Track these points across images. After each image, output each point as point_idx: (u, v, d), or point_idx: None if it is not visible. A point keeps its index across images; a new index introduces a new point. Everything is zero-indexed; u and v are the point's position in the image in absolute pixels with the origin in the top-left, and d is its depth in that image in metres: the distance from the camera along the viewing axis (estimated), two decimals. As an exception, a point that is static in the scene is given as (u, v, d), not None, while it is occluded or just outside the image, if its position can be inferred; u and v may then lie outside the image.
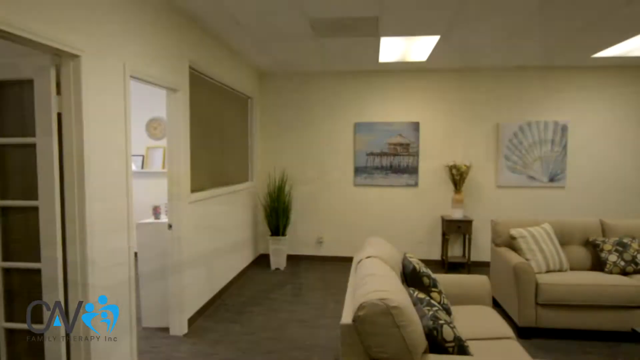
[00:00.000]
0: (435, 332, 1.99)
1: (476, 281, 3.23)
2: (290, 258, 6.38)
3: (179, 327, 3.77)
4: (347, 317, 1.98)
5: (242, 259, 5.60)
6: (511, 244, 4.12)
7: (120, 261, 2.86)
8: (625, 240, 4.00)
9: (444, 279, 3.26)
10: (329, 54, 5.13)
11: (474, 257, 6.07)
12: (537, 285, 3.67)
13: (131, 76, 3.04)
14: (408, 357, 1.85)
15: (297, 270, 5.82)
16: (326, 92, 6.23)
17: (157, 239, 3.91)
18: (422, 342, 1.92)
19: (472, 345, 2.44)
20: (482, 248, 6.08)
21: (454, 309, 3.04)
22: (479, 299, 3.20)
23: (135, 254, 3.95)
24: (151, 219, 4.08)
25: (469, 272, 5.67)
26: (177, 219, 3.74)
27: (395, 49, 4.82)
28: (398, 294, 1.98)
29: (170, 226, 3.74)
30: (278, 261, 5.89)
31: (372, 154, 6.16)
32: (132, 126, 3.06)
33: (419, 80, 6.05)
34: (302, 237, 6.38)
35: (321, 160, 6.29)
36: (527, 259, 3.87)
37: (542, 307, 3.66)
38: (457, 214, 5.78)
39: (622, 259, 3.87)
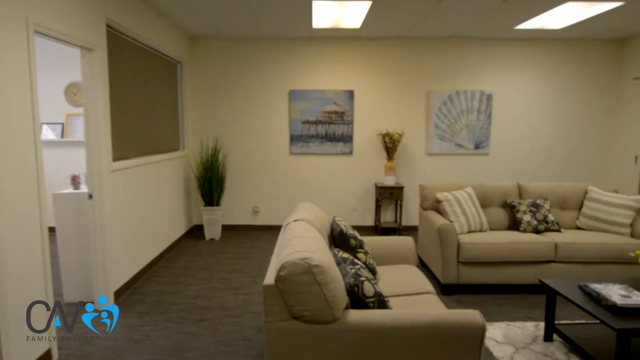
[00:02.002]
0: (356, 289, 2.05)
1: (402, 242, 3.36)
2: (226, 228, 6.30)
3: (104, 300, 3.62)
4: (270, 278, 1.99)
5: (175, 230, 5.45)
6: (437, 207, 4.31)
7: (31, 235, 2.66)
8: (538, 202, 4.31)
9: (372, 241, 3.36)
10: (261, 18, 4.97)
11: (405, 222, 6.32)
12: (459, 245, 3.88)
13: (36, 32, 2.76)
14: (329, 313, 1.89)
15: (232, 240, 5.77)
16: (261, 59, 6.07)
17: (77, 211, 3.68)
18: (343, 299, 1.96)
19: (394, 301, 2.56)
20: (412, 213, 6.34)
21: (380, 268, 3.15)
22: (404, 259, 3.34)
23: (54, 228, 3.72)
24: (70, 190, 3.83)
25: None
26: (98, 188, 3.53)
27: (328, 14, 4.76)
28: (320, 254, 2.00)
29: (90, 196, 3.53)
30: (213, 231, 5.79)
31: (307, 122, 6.13)
32: (48, 92, 2.78)
33: (353, 48, 6.05)
34: (237, 207, 6.30)
35: (256, 128, 6.18)
36: (450, 221, 4.07)
37: (463, 265, 3.90)
38: (389, 181, 5.95)
39: (535, 219, 4.18)
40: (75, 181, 3.86)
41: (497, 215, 4.42)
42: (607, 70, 6.15)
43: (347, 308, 2.02)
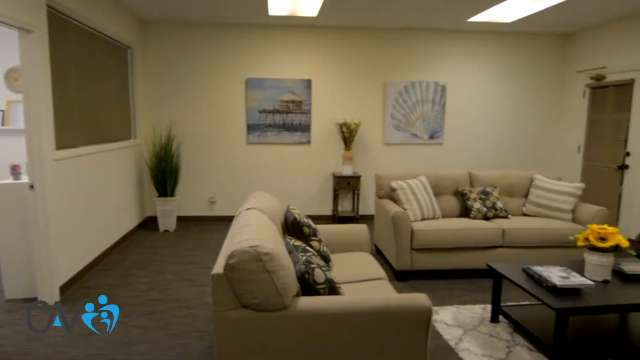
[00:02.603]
0: (307, 276, 2.05)
1: (356, 230, 3.39)
2: (181, 219, 6.16)
3: (49, 295, 3.46)
4: (218, 267, 1.95)
5: (126, 222, 5.27)
6: (392, 195, 4.38)
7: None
8: (488, 189, 4.47)
9: (326, 229, 3.37)
10: (216, 2, 4.83)
11: (363, 211, 6.40)
12: (412, 232, 3.97)
13: (-35, 9, 2.56)
14: (279, 300, 1.89)
15: (187, 232, 5.65)
16: (217, 46, 5.92)
17: (17, 202, 3.48)
18: (293, 286, 1.96)
19: (347, 287, 2.58)
20: (370, 202, 6.43)
21: (335, 256, 3.18)
22: (359, 247, 3.38)
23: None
24: (10, 180, 3.61)
25: (357, 225, 5.97)
26: (39, 178, 3.35)
27: (285, 1, 4.69)
28: (271, 242, 1.98)
29: (31, 186, 3.34)
30: (167, 223, 5.65)
31: (264, 111, 6.06)
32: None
33: (310, 36, 6.01)
34: (193, 198, 6.16)
35: (212, 117, 6.04)
36: (404, 209, 4.15)
37: (416, 252, 3.99)
38: (347, 171, 5.99)
39: (485, 206, 4.34)
40: (15, 171, 3.64)
41: (449, 203, 4.54)
42: (554, 63, 6.42)
43: (297, 295, 2.02)
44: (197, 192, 6.16)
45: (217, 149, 6.11)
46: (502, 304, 3.44)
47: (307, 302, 1.94)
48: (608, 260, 2.81)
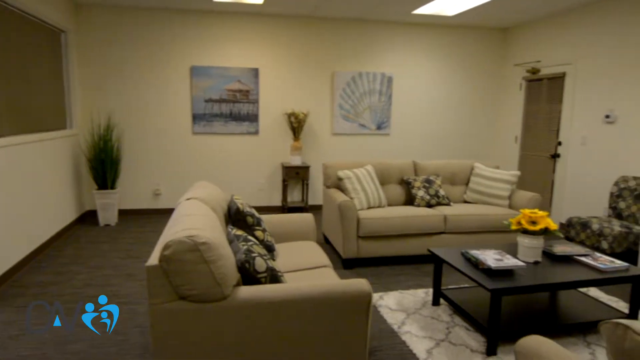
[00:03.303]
0: (247, 265, 2.02)
1: (302, 219, 3.39)
2: (124, 213, 5.92)
3: (-27, 296, 3.22)
4: (154, 259, 1.88)
5: (62, 216, 4.98)
6: (339, 185, 4.42)
7: None
8: (431, 178, 4.60)
9: (272, 219, 3.35)
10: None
11: (312, 201, 6.42)
12: (358, 220, 4.03)
13: None
14: (218, 291, 1.85)
15: (130, 225, 5.43)
16: (159, 31, 5.69)
17: None
18: (233, 276, 1.93)
19: (291, 275, 2.58)
20: (319, 192, 6.45)
21: (281, 245, 3.16)
22: (305, 236, 3.38)
23: None
24: None
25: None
26: (-41, 170, 3.09)
27: (228, -14, 4.58)
28: (209, 231, 1.94)
29: (-51, 179, 3.08)
30: (108, 217, 5.40)
31: (210, 100, 5.91)
32: None
33: (257, 24, 5.91)
34: (136, 190, 5.93)
35: (155, 105, 5.82)
36: (351, 198, 4.20)
37: (363, 240, 4.05)
38: (295, 161, 5.97)
39: (428, 194, 4.47)
40: None
41: (395, 192, 4.64)
42: (493, 56, 6.69)
43: (238, 285, 1.99)
44: (140, 184, 5.93)
45: (162, 139, 5.89)
46: (443, 287, 3.56)
47: (247, 292, 1.92)
48: (539, 242, 2.98)
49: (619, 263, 2.94)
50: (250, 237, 2.30)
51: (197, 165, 6.04)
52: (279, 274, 2.13)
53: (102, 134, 5.43)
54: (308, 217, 3.43)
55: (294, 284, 1.99)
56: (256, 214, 2.87)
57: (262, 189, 6.26)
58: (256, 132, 6.11)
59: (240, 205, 2.76)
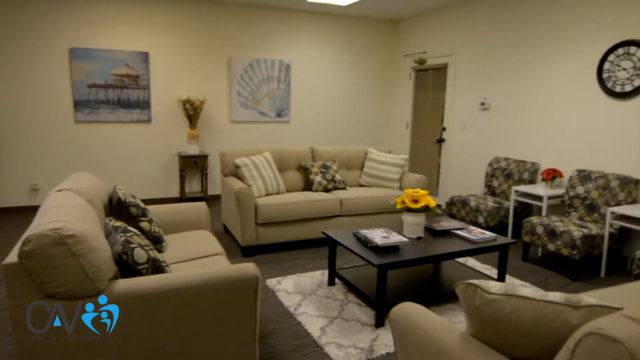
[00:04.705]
0: (125, 257, 1.91)
1: (194, 208, 3.29)
2: (-6, 212, 5.27)
3: None
4: (12, 256, 1.70)
5: None
6: (236, 172, 4.35)
7: None
8: (328, 164, 4.72)
9: (162, 209, 3.21)
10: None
11: (212, 191, 6.26)
12: (256, 207, 4.01)
13: None
14: (90, 286, 1.72)
15: (2, 225, 4.85)
16: (30, 8, 5.08)
17: None
18: (108, 269, 1.81)
19: (181, 265, 2.50)
20: (219, 182, 6.31)
21: (172, 236, 3.04)
22: (198, 225, 3.29)
23: None
24: None
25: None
26: None
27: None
28: (80, 223, 1.79)
29: None
30: (-27, 217, 4.77)
31: (94, 85, 5.45)
32: None
33: (146, 6, 5.55)
34: (9, 185, 5.30)
35: (28, 91, 5.21)
36: (249, 185, 4.17)
37: (261, 227, 4.05)
38: (193, 150, 5.76)
39: (325, 179, 4.58)
40: None
41: (293, 178, 4.69)
42: (385, 47, 7.02)
43: (116, 278, 1.88)
44: (14, 179, 5.30)
45: (38, 129, 5.31)
46: (337, 268, 3.70)
47: (124, 284, 1.81)
48: (421, 219, 3.21)
49: (488, 234, 3.28)
50: (130, 228, 2.17)
51: (81, 157, 5.55)
52: (163, 264, 2.04)
53: (-39, 122, 4.75)
54: (201, 205, 3.34)
55: (176, 274, 1.93)
56: (141, 204, 2.72)
57: (157, 180, 5.95)
58: (148, 120, 5.77)
59: (122, 196, 2.60)
